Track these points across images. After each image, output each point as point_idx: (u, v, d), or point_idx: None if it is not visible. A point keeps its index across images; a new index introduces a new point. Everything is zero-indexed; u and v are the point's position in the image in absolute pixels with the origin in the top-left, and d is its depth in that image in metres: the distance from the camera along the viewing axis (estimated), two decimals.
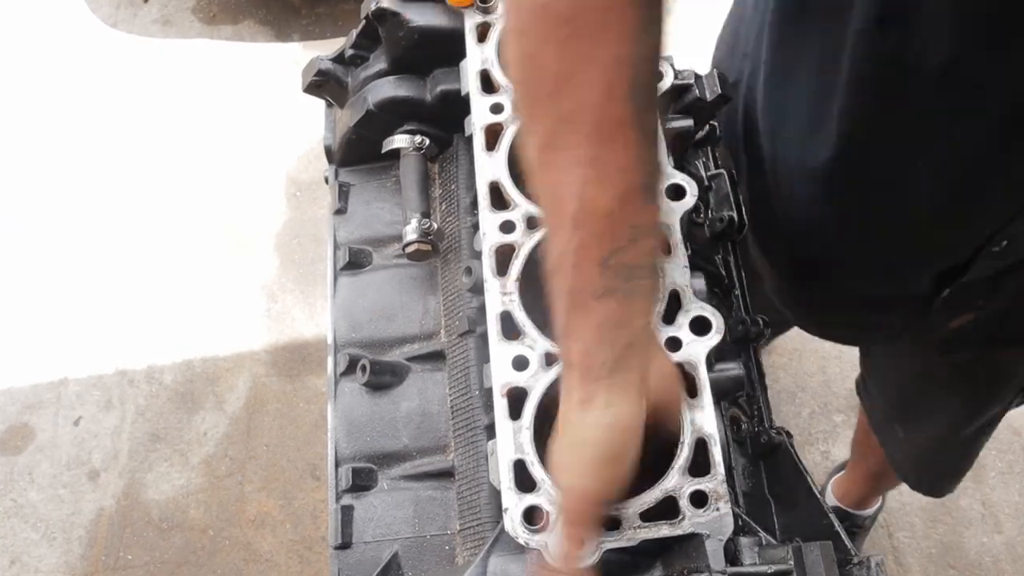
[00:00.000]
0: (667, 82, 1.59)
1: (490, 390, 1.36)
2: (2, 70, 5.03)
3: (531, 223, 1.48)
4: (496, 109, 1.60)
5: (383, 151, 2.00)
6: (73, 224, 4.39)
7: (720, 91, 1.96)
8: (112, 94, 4.85)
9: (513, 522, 1.21)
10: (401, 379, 1.82)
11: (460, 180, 1.93)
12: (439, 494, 1.70)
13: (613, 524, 1.20)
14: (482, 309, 1.53)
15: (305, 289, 4.05)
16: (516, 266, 1.44)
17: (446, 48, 1.82)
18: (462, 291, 1.79)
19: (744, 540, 1.24)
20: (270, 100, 4.69)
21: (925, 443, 2.28)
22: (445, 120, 1.93)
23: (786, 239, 2.02)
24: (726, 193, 2.28)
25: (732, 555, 1.22)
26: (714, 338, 1.34)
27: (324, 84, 2.09)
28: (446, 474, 1.71)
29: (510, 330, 1.38)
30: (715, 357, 1.51)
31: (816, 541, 1.21)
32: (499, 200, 1.52)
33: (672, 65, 1.71)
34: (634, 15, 0.96)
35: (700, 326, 1.35)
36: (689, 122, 1.87)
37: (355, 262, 1.98)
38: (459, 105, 1.73)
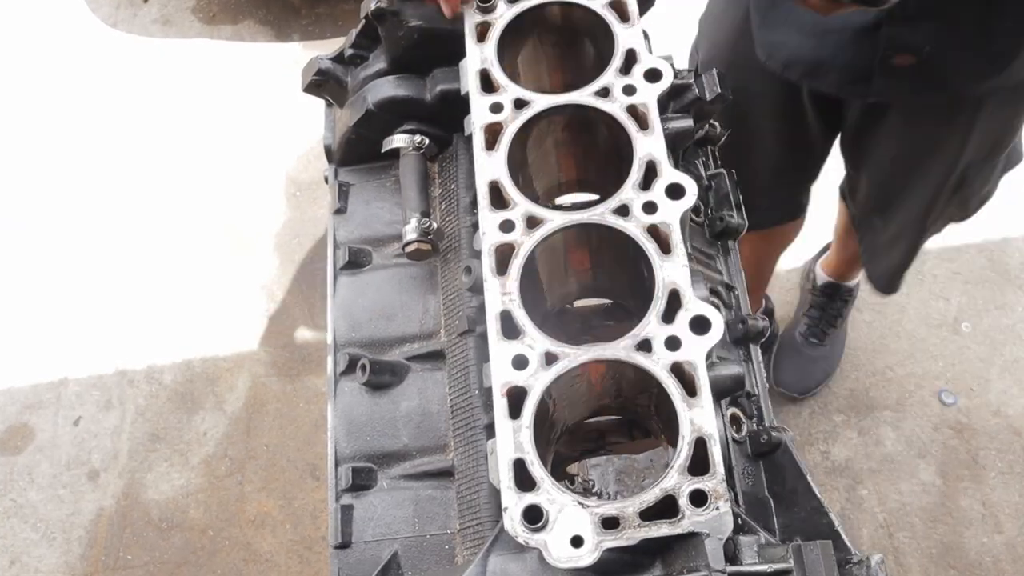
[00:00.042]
0: (667, 82, 1.59)
1: (490, 389, 1.35)
2: (2, 70, 5.03)
3: (531, 222, 1.48)
4: (496, 108, 1.60)
5: (383, 151, 2.00)
6: (73, 224, 4.39)
7: (720, 90, 1.96)
8: (112, 94, 4.85)
9: (513, 521, 1.21)
10: (401, 378, 1.82)
11: (460, 179, 1.93)
12: (439, 493, 1.70)
13: (613, 523, 1.20)
14: (482, 308, 1.53)
15: (305, 289, 4.05)
16: (516, 265, 1.44)
17: (446, 47, 1.82)
18: (462, 290, 1.79)
19: (744, 539, 1.24)
20: (270, 100, 4.68)
21: (895, 231, 2.78)
22: (445, 120, 1.93)
23: None
24: (726, 192, 2.28)
25: (732, 554, 1.22)
26: (713, 337, 1.34)
27: (324, 84, 2.09)
28: (446, 473, 1.71)
29: (510, 329, 1.38)
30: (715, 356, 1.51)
31: (816, 540, 1.21)
32: (499, 199, 1.52)
33: (672, 65, 1.71)
34: None
35: (699, 325, 1.35)
36: (689, 121, 1.87)
37: (355, 262, 1.98)
38: (459, 104, 1.73)
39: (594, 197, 1.84)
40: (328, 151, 2.17)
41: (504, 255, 1.46)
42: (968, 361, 3.62)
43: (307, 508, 3.44)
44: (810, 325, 3.65)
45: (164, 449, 3.63)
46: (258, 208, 4.27)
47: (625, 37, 1.64)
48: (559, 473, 2.14)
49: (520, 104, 1.60)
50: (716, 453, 1.23)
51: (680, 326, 1.35)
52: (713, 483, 1.21)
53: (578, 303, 1.91)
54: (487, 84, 1.64)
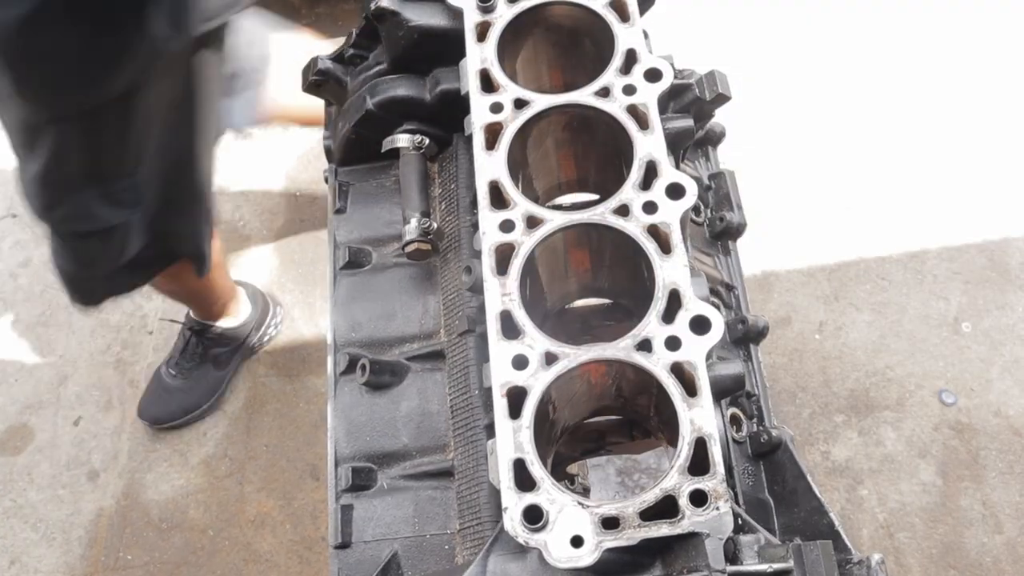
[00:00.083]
0: (667, 81, 1.59)
1: (490, 389, 1.36)
2: None
3: (531, 222, 1.48)
4: (496, 108, 1.60)
5: (383, 150, 2.00)
6: None
7: (719, 90, 1.96)
8: None
9: (513, 521, 1.21)
10: (401, 378, 1.82)
11: (460, 179, 1.93)
12: (439, 493, 1.71)
13: (613, 524, 1.20)
14: (482, 308, 1.53)
15: (305, 289, 4.05)
16: (516, 265, 1.44)
17: (446, 47, 1.82)
18: (462, 290, 1.79)
19: (744, 539, 1.24)
20: None
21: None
22: (445, 119, 1.93)
23: None
24: (726, 192, 2.28)
25: (732, 554, 1.22)
26: (714, 337, 1.34)
27: (324, 83, 2.09)
28: (446, 473, 1.72)
29: (510, 329, 1.38)
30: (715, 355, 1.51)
31: (816, 540, 1.21)
32: (499, 199, 1.52)
33: (672, 64, 1.71)
34: None
35: (699, 325, 1.35)
36: (689, 121, 1.88)
37: (355, 261, 1.99)
38: (459, 104, 1.73)
39: (594, 197, 1.84)
40: (328, 151, 2.17)
41: (504, 255, 1.46)
42: (968, 361, 3.62)
43: (307, 508, 3.44)
44: (172, 355, 3.60)
45: (164, 449, 3.63)
46: (258, 208, 4.27)
47: (625, 37, 1.64)
48: (559, 473, 2.14)
49: (520, 104, 1.60)
50: (716, 453, 1.23)
51: (680, 326, 1.35)
52: (713, 483, 1.21)
53: (578, 303, 1.91)
54: (487, 84, 1.64)
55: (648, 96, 1.57)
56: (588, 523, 1.20)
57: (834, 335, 3.73)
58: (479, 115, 1.60)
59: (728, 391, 1.69)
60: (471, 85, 1.64)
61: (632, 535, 1.18)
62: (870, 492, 3.39)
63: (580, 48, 1.83)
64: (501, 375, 1.34)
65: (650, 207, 1.46)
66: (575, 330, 1.89)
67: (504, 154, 1.55)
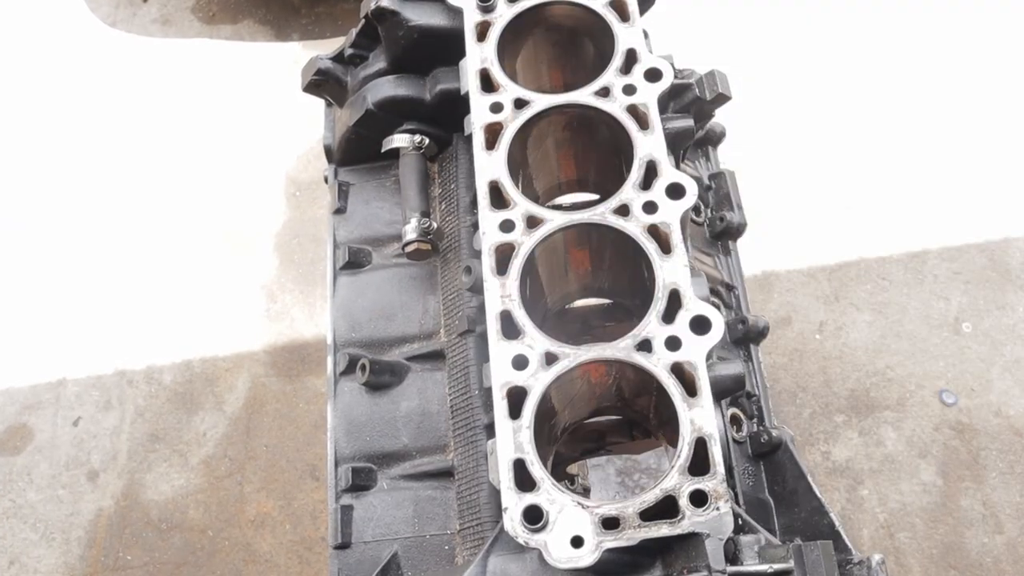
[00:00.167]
0: (667, 81, 1.59)
1: (490, 389, 1.35)
2: (1, 69, 5.03)
3: (531, 222, 1.48)
4: (496, 108, 1.60)
5: (383, 150, 2.00)
6: (72, 224, 4.38)
7: (719, 90, 1.96)
8: (111, 94, 4.84)
9: (513, 521, 1.21)
10: (401, 379, 1.82)
11: (460, 179, 1.93)
12: (439, 494, 1.70)
13: (613, 524, 1.20)
14: (482, 308, 1.53)
15: (305, 289, 4.05)
16: (516, 265, 1.44)
17: (446, 47, 1.82)
18: (462, 290, 1.79)
19: (744, 539, 1.24)
20: (270, 100, 4.68)
21: None
22: (445, 119, 1.93)
23: None
24: (726, 192, 2.28)
25: (732, 554, 1.22)
26: (714, 337, 1.34)
27: (324, 83, 2.09)
28: (446, 473, 1.72)
29: (510, 329, 1.38)
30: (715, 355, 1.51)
31: (817, 541, 1.21)
32: (499, 199, 1.52)
33: (672, 64, 1.71)
34: None
35: (700, 325, 1.35)
36: (689, 121, 1.88)
37: (354, 261, 1.99)
38: (459, 104, 1.73)
39: (594, 197, 1.84)
40: (328, 151, 2.17)
41: (504, 255, 1.46)
42: (969, 361, 3.62)
43: (307, 508, 3.44)
44: None
45: (163, 449, 3.63)
46: (258, 208, 4.26)
47: (625, 36, 1.64)
48: (559, 473, 2.14)
49: (520, 104, 1.60)
50: (716, 453, 1.23)
51: (680, 326, 1.35)
52: (713, 483, 1.21)
53: (578, 303, 1.91)
54: (487, 84, 1.64)
55: (648, 96, 1.57)
56: (588, 523, 1.19)
57: (834, 335, 3.73)
58: (479, 115, 1.60)
59: (728, 391, 1.69)
60: (471, 85, 1.64)
61: (632, 535, 1.18)
62: (870, 492, 3.39)
63: (580, 48, 1.83)
64: (501, 375, 1.34)
65: (650, 207, 1.46)
66: (575, 330, 1.89)
67: (504, 154, 1.55)
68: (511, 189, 1.51)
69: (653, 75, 1.60)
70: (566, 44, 1.84)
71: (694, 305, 1.36)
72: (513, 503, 1.22)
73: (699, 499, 1.20)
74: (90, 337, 3.97)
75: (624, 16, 1.67)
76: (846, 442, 3.48)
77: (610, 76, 1.61)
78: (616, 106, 1.57)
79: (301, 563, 3.36)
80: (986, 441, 3.46)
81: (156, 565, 3.39)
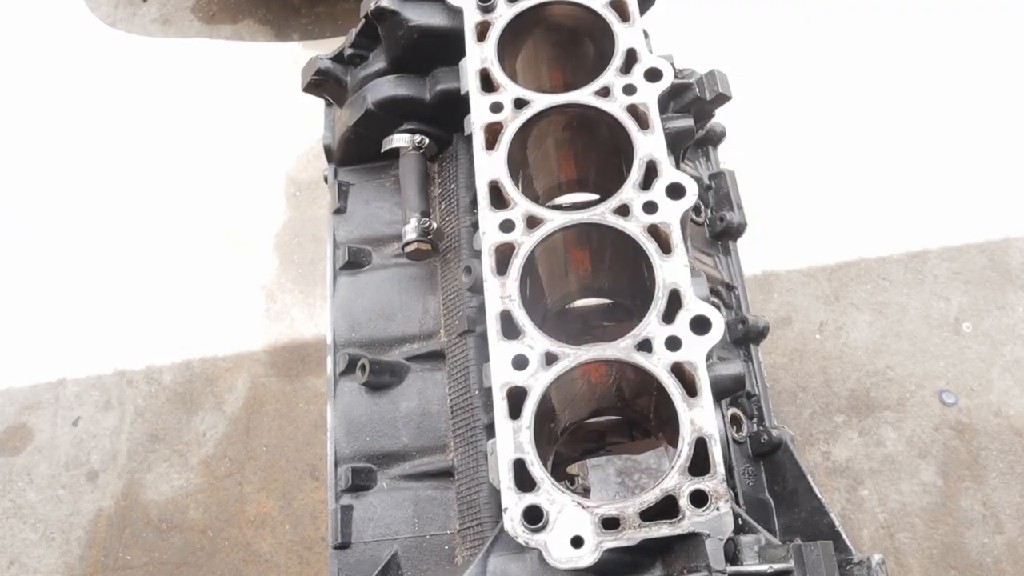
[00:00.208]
0: (667, 81, 1.59)
1: (490, 389, 1.35)
2: (1, 69, 5.03)
3: (531, 222, 1.48)
4: (496, 108, 1.60)
5: (382, 150, 2.00)
6: (71, 224, 4.38)
7: (720, 90, 1.96)
8: (111, 93, 4.84)
9: (513, 522, 1.21)
10: (400, 379, 1.82)
11: (460, 179, 1.93)
12: (439, 494, 1.70)
13: (613, 524, 1.20)
14: (482, 308, 1.53)
15: (304, 289, 4.05)
16: (516, 265, 1.44)
17: (446, 47, 1.82)
18: (462, 290, 1.79)
19: (744, 539, 1.24)
20: (270, 100, 4.68)
21: None
22: (444, 119, 1.93)
23: None
24: (726, 192, 2.28)
25: (732, 554, 1.22)
26: (714, 337, 1.34)
27: (323, 83, 2.09)
28: (446, 474, 1.71)
29: (510, 329, 1.38)
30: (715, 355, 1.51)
31: (817, 541, 1.21)
32: (499, 199, 1.52)
33: (673, 64, 1.71)
34: None
35: (700, 325, 1.35)
36: (689, 121, 1.88)
37: (354, 261, 1.99)
38: (459, 104, 1.73)
39: (594, 197, 1.84)
40: (328, 151, 2.17)
41: (504, 255, 1.46)
42: (969, 361, 3.62)
43: (307, 508, 3.44)
44: None
45: (163, 449, 3.63)
46: (258, 208, 4.26)
47: (625, 36, 1.64)
48: (559, 473, 2.14)
49: (520, 103, 1.60)
50: (716, 453, 1.23)
51: (680, 326, 1.35)
52: (713, 483, 1.21)
53: (578, 303, 1.91)
54: (487, 83, 1.64)
55: (648, 96, 1.57)
56: (588, 523, 1.19)
57: (835, 335, 3.73)
58: (479, 115, 1.60)
59: (728, 391, 1.69)
60: (471, 85, 1.64)
61: (632, 535, 1.18)
62: (871, 492, 3.39)
63: (580, 48, 1.83)
64: (501, 375, 1.34)
65: (650, 207, 1.46)
66: (575, 330, 1.89)
67: (504, 154, 1.55)
68: (511, 189, 1.51)
69: (653, 75, 1.60)
70: (566, 44, 1.84)
71: (694, 305, 1.36)
72: (513, 503, 1.22)
73: (699, 499, 1.20)
74: (90, 337, 3.96)
75: (624, 16, 1.67)
76: (846, 442, 3.48)
77: (610, 76, 1.61)
78: (616, 106, 1.57)
79: (301, 563, 3.36)
80: (986, 441, 3.46)
81: (156, 565, 3.39)
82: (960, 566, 3.23)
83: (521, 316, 1.39)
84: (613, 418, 1.80)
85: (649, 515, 1.20)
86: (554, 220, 1.48)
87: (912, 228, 3.91)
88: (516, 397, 1.32)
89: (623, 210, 1.48)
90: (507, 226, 1.49)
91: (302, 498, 3.48)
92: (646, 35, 1.76)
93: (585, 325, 1.90)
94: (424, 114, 1.96)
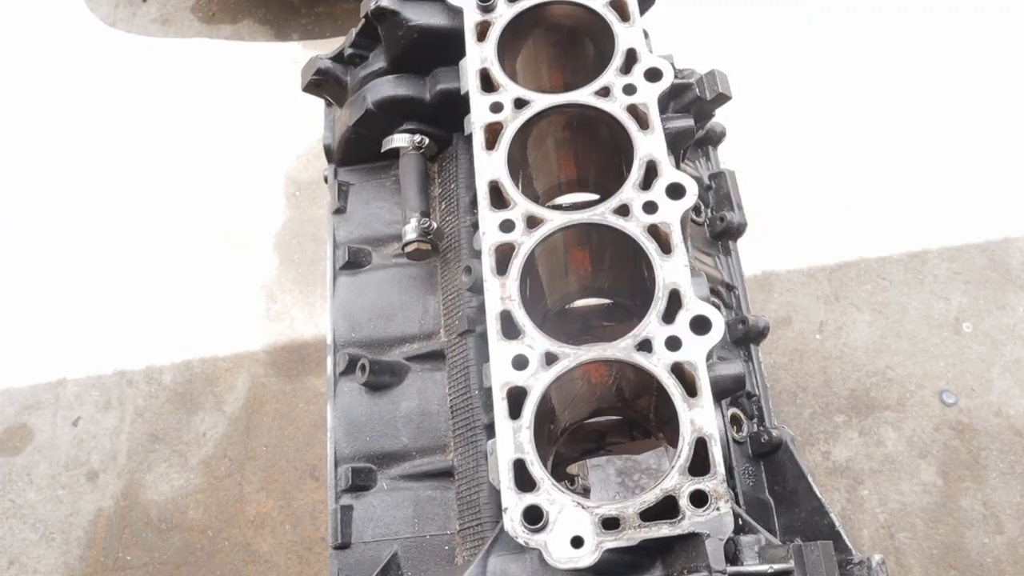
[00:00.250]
0: (667, 81, 1.59)
1: (490, 389, 1.35)
2: (1, 69, 5.03)
3: (531, 222, 1.48)
4: (496, 108, 1.60)
5: (382, 150, 2.00)
6: (72, 224, 4.38)
7: (719, 90, 1.96)
8: (111, 93, 4.84)
9: (513, 522, 1.21)
10: (400, 379, 1.82)
11: (460, 179, 1.93)
12: (439, 494, 1.70)
13: (613, 524, 1.20)
14: (482, 308, 1.53)
15: (304, 289, 4.05)
16: (516, 265, 1.44)
17: (446, 47, 1.82)
18: (462, 290, 1.79)
19: (744, 539, 1.24)
20: (269, 99, 4.68)
21: None
22: (444, 119, 1.93)
23: None
24: (726, 192, 2.28)
25: (732, 554, 1.22)
26: (714, 337, 1.33)
27: (323, 83, 2.09)
28: (446, 474, 1.71)
29: (510, 329, 1.38)
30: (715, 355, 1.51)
31: (817, 541, 1.21)
32: (499, 199, 1.52)
33: (673, 64, 1.71)
34: None
35: (700, 325, 1.34)
36: (689, 121, 1.88)
37: (354, 261, 1.98)
38: (459, 104, 1.73)
39: (594, 197, 1.84)
40: (328, 151, 2.17)
41: (504, 255, 1.46)
42: (969, 361, 3.62)
43: (307, 508, 3.44)
44: None
45: (163, 450, 3.63)
46: (257, 208, 4.26)
47: (625, 36, 1.64)
48: (559, 473, 2.14)
49: (520, 103, 1.60)
50: (717, 453, 1.23)
51: (680, 326, 1.34)
52: (714, 483, 1.21)
53: (578, 303, 1.91)
54: (487, 83, 1.64)
55: (648, 96, 1.57)
56: (588, 523, 1.19)
57: (835, 335, 3.73)
58: (479, 115, 1.60)
59: (729, 391, 1.69)
60: (471, 85, 1.64)
61: (632, 535, 1.18)
62: (871, 492, 3.39)
63: (580, 48, 1.83)
64: (501, 375, 1.34)
65: (650, 207, 1.46)
66: (575, 330, 1.89)
67: (504, 154, 1.55)
68: (511, 189, 1.51)
69: (653, 75, 1.60)
70: (566, 44, 1.84)
71: (694, 305, 1.36)
72: (513, 503, 1.22)
73: (699, 499, 1.20)
74: (90, 337, 3.97)
75: (624, 16, 1.67)
76: (846, 442, 3.48)
77: (610, 76, 1.61)
78: (616, 106, 1.57)
79: (301, 563, 3.36)
80: (986, 441, 3.46)
81: (156, 565, 3.39)
82: (960, 566, 3.23)
83: (521, 316, 1.39)
84: (613, 418, 1.80)
85: (649, 515, 1.20)
86: (554, 220, 1.48)
87: (912, 228, 3.91)
88: (516, 397, 1.32)
89: (623, 210, 1.48)
90: (507, 226, 1.48)
91: (302, 498, 3.48)
92: (646, 35, 1.76)
93: (585, 325, 1.90)
94: (424, 114, 1.96)
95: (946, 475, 3.40)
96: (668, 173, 1.49)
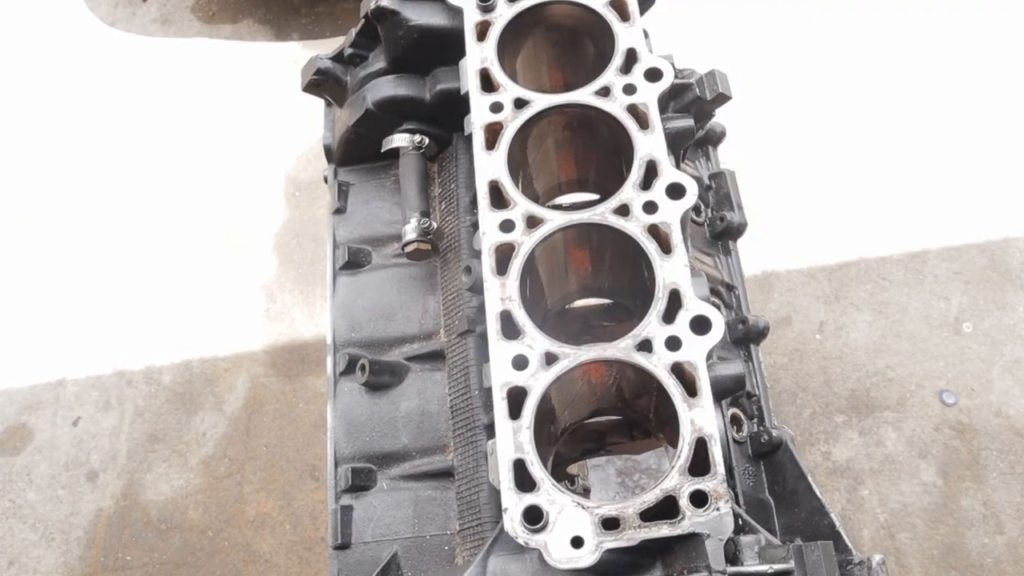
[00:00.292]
0: (667, 81, 1.59)
1: (489, 390, 1.35)
2: (1, 69, 5.03)
3: (531, 222, 1.48)
4: (496, 108, 1.60)
5: (382, 150, 2.00)
6: (71, 224, 4.38)
7: (720, 90, 1.96)
8: (110, 93, 4.84)
9: (513, 522, 1.20)
10: (400, 379, 1.82)
11: (460, 179, 1.93)
12: (438, 494, 1.70)
13: (613, 524, 1.20)
14: (482, 308, 1.53)
15: (304, 289, 4.05)
16: (516, 265, 1.44)
17: (446, 47, 1.82)
18: (462, 290, 1.79)
19: (744, 539, 1.24)
20: (269, 99, 4.68)
21: None
22: (444, 119, 1.93)
23: None
24: (726, 192, 2.28)
25: (732, 555, 1.22)
26: (714, 337, 1.33)
27: (323, 83, 2.09)
28: (445, 474, 1.71)
29: (510, 329, 1.38)
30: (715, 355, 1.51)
31: (817, 541, 1.21)
32: (499, 199, 1.51)
33: (673, 64, 1.71)
34: None
35: (700, 325, 1.34)
36: (689, 121, 1.87)
37: (354, 261, 1.98)
38: (459, 104, 1.72)
39: (594, 197, 1.84)
40: (327, 151, 2.17)
41: (504, 255, 1.46)
42: (969, 361, 3.62)
43: (306, 509, 3.44)
44: None
45: (163, 450, 3.63)
46: (257, 208, 4.26)
47: (625, 36, 1.64)
48: (559, 474, 2.14)
49: (520, 103, 1.60)
50: (717, 453, 1.23)
51: (681, 326, 1.34)
52: (714, 483, 1.21)
53: (578, 303, 1.91)
54: (487, 83, 1.64)
55: (648, 96, 1.57)
56: (588, 524, 1.19)
57: (835, 335, 3.73)
58: (479, 115, 1.60)
59: (729, 391, 1.68)
60: (471, 85, 1.63)
61: (632, 536, 1.18)
62: (871, 492, 3.39)
63: (580, 48, 1.83)
64: (501, 375, 1.33)
65: (650, 207, 1.46)
66: (575, 330, 1.89)
67: (504, 154, 1.55)
68: (511, 189, 1.51)
69: (653, 75, 1.60)
70: (566, 44, 1.84)
71: (694, 305, 1.36)
72: (513, 503, 1.22)
73: (699, 499, 1.20)
74: (89, 337, 3.96)
75: (624, 16, 1.67)
76: (846, 442, 3.48)
77: (610, 76, 1.61)
78: (616, 106, 1.57)
79: (301, 563, 3.36)
80: (986, 441, 3.46)
81: (156, 565, 3.39)
82: (961, 566, 3.23)
83: (521, 316, 1.39)
84: (613, 418, 1.80)
85: (649, 515, 1.20)
86: (554, 220, 1.48)
87: (912, 228, 3.91)
88: (516, 397, 1.32)
89: (623, 210, 1.47)
90: (507, 226, 1.48)
91: (302, 498, 3.48)
92: (646, 35, 1.76)
93: (585, 325, 1.90)
94: (424, 114, 1.96)
95: (946, 475, 3.40)
96: (668, 173, 1.49)
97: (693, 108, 2.00)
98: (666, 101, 1.86)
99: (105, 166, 4.55)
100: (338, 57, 2.07)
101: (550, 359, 1.35)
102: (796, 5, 4.58)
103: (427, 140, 1.97)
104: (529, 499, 1.22)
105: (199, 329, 3.95)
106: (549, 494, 1.22)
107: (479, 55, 1.66)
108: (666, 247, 1.43)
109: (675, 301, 1.38)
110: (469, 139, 1.62)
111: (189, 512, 3.49)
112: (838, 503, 3.35)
